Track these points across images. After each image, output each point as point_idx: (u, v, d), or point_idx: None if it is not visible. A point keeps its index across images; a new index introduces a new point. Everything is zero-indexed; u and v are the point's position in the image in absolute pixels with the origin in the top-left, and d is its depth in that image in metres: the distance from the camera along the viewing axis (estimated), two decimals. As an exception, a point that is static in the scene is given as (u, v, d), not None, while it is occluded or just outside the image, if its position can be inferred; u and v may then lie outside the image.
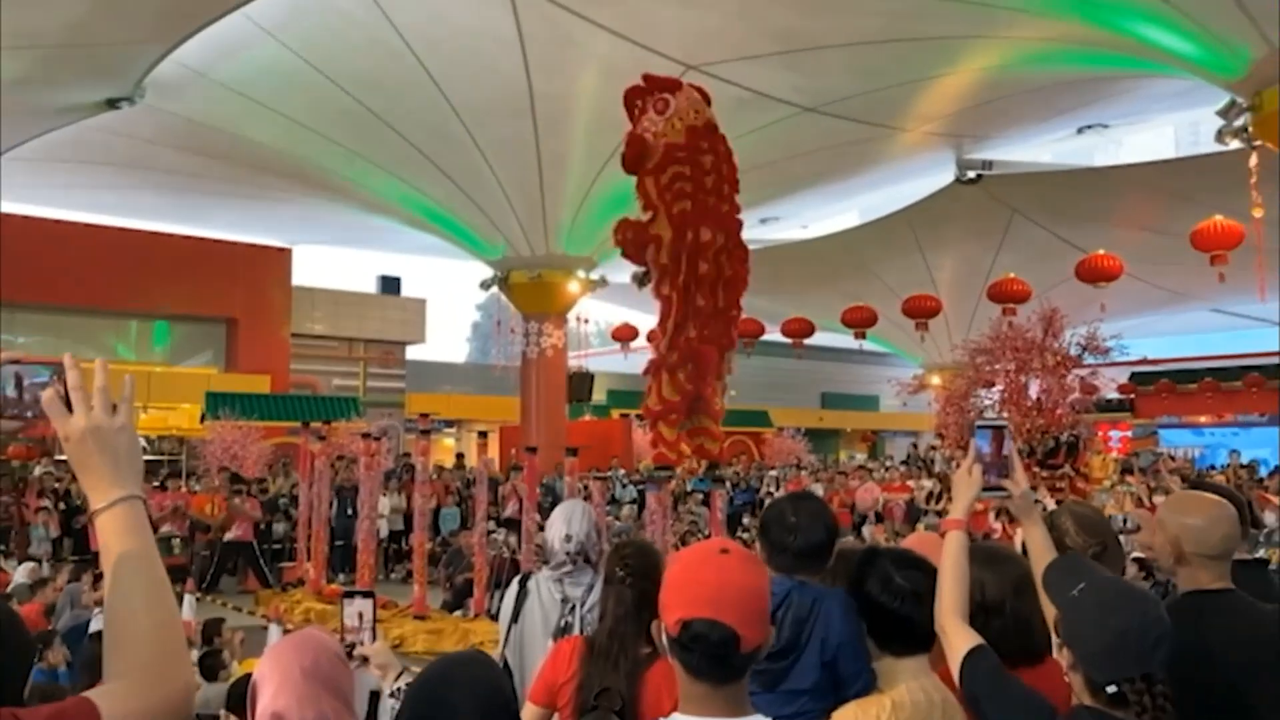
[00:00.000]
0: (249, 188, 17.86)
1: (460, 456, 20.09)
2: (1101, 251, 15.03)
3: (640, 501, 14.45)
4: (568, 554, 3.13)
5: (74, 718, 1.12)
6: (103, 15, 10.24)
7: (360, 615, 2.79)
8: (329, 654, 1.76)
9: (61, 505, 12.96)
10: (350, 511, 12.66)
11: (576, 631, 2.98)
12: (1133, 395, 27.58)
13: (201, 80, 13.10)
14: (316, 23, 12.23)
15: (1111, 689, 1.74)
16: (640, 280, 7.83)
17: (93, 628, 6.35)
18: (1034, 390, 13.05)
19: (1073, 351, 13.01)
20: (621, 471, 17.86)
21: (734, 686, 1.63)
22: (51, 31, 10.29)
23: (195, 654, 6.27)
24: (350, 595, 2.73)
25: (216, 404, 17.61)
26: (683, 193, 6.72)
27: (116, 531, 1.28)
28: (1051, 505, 10.84)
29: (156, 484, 14.21)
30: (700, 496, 15.33)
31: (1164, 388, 27.53)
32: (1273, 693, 2.10)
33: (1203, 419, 27.39)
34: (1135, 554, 7.45)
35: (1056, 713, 1.80)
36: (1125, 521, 10.02)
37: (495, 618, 8.34)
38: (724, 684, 1.62)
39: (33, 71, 11.30)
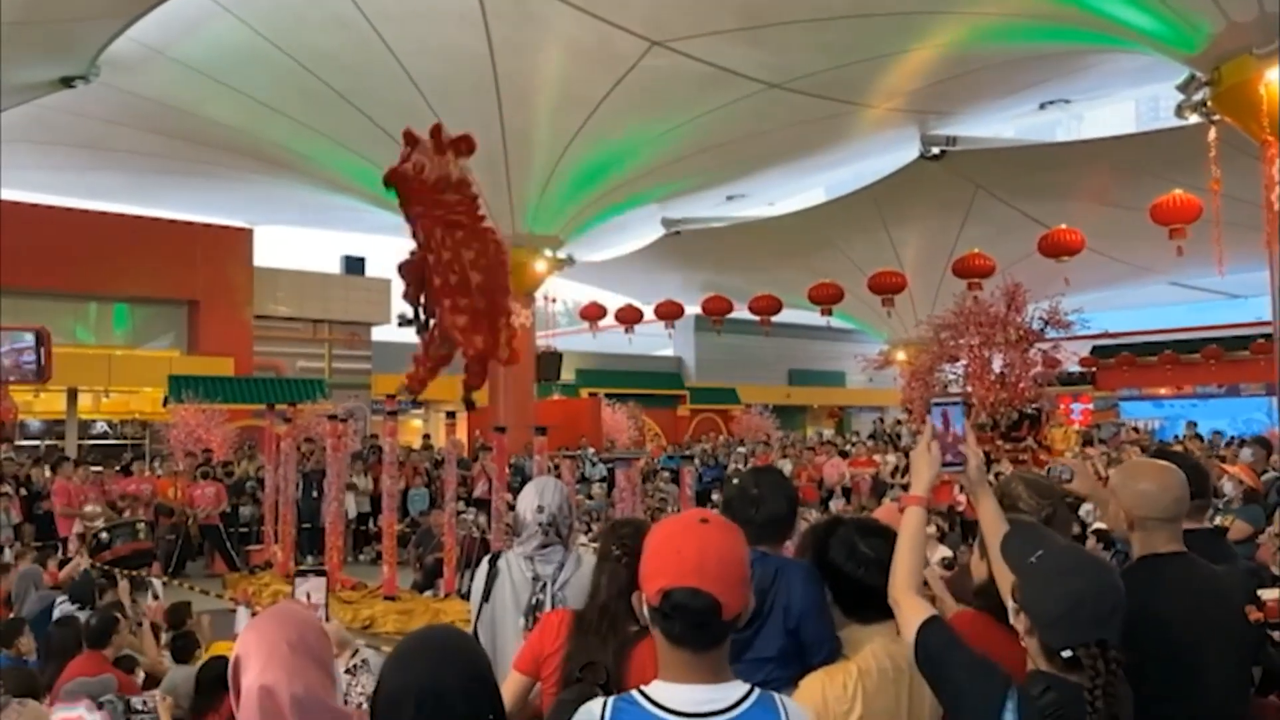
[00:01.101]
0: (209, 167, 17.60)
1: (427, 437, 20.02)
2: (1064, 226, 15.20)
3: (610, 479, 14.49)
4: (539, 524, 3.14)
5: None
6: (54, -9, 10.04)
7: (309, 595, 2.79)
8: (313, 627, 1.75)
9: (23, 491, 12.77)
10: (317, 494, 12.59)
11: (548, 608, 2.99)
12: (1094, 368, 28.02)
13: (158, 58, 12.87)
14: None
15: (1066, 654, 1.78)
16: (402, 321, 8.86)
17: (57, 613, 6.29)
18: (997, 364, 13.23)
19: (1035, 326, 13.19)
20: (591, 450, 17.87)
21: (715, 653, 1.66)
22: (3, 8, 10.05)
23: (166, 637, 6.25)
24: (303, 574, 2.73)
25: (179, 387, 17.42)
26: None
27: None
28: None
29: (119, 468, 14.06)
30: (669, 474, 15.40)
31: (1124, 361, 27.97)
32: (1222, 650, 2.16)
33: (1162, 391, 27.87)
34: (1097, 525, 7.59)
35: (1012, 679, 1.84)
36: (1062, 473, 10.19)
37: (466, 597, 8.34)
38: (704, 651, 1.65)
39: (-16, 49, 11.06)
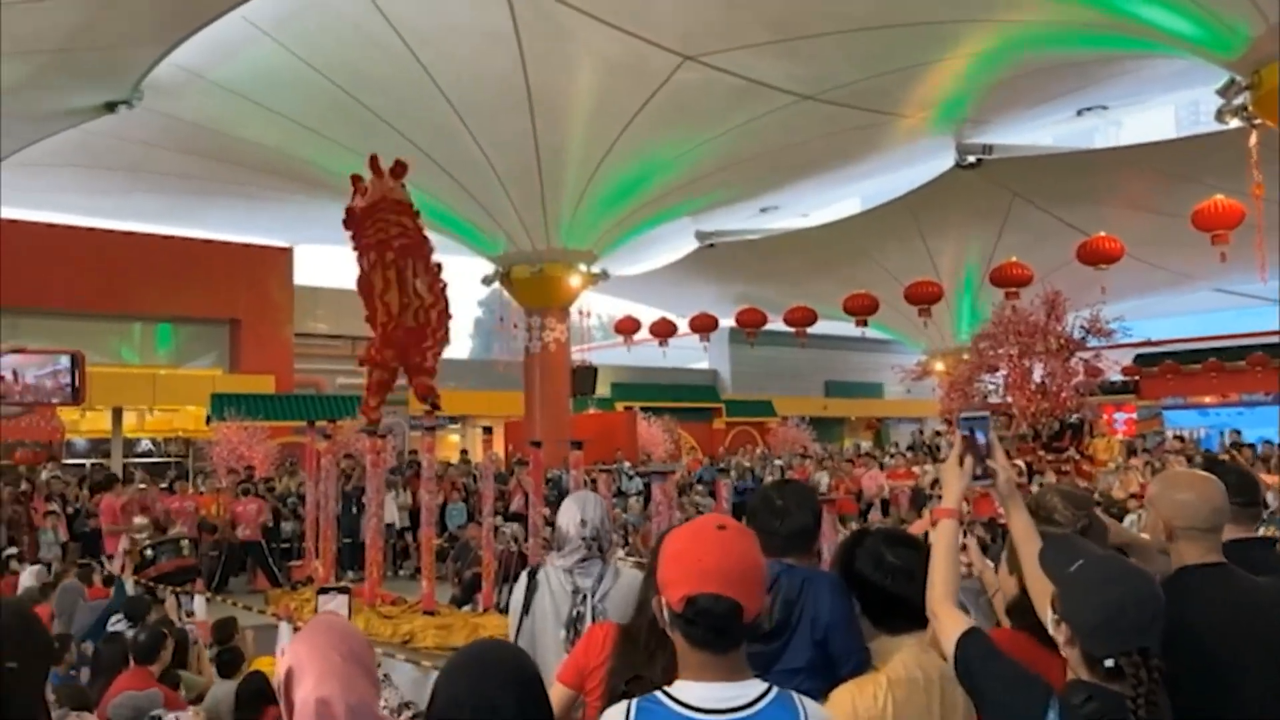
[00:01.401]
0: (249, 188, 17.87)
1: (464, 452, 20.12)
2: (1103, 234, 15.01)
3: (646, 493, 14.48)
4: (583, 539, 3.15)
5: None
6: (99, 19, 10.25)
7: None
8: (360, 638, 1.78)
9: (69, 509, 13.00)
10: (356, 509, 12.69)
11: (588, 621, 3.00)
12: (1137, 377, 27.58)
13: (199, 81, 13.11)
14: (312, 21, 12.23)
15: (1109, 663, 1.77)
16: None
17: (110, 629, 6.39)
18: (1038, 374, 13.07)
19: (1076, 334, 13.03)
20: (627, 464, 17.87)
21: (735, 654, 1.72)
22: (49, 36, 10.29)
23: (210, 652, 6.32)
24: (326, 591, 2.74)
25: (222, 405, 17.66)
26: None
27: None
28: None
29: (164, 486, 14.27)
30: (705, 487, 15.37)
31: (1168, 369, 27.53)
32: (1262, 662, 2.12)
33: (1207, 399, 27.38)
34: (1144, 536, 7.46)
35: (1053, 689, 1.83)
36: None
37: (504, 612, 8.36)
38: (725, 653, 1.70)
39: (32, 77, 11.32)
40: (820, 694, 2.17)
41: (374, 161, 8.58)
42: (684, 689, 1.70)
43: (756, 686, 1.71)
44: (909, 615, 2.15)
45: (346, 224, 9.07)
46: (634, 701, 1.73)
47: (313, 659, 1.68)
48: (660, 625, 1.79)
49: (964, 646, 1.94)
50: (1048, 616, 1.92)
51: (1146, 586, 1.83)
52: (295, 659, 1.70)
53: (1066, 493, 2.67)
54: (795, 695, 1.74)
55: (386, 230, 9.06)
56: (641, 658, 2.36)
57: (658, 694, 1.72)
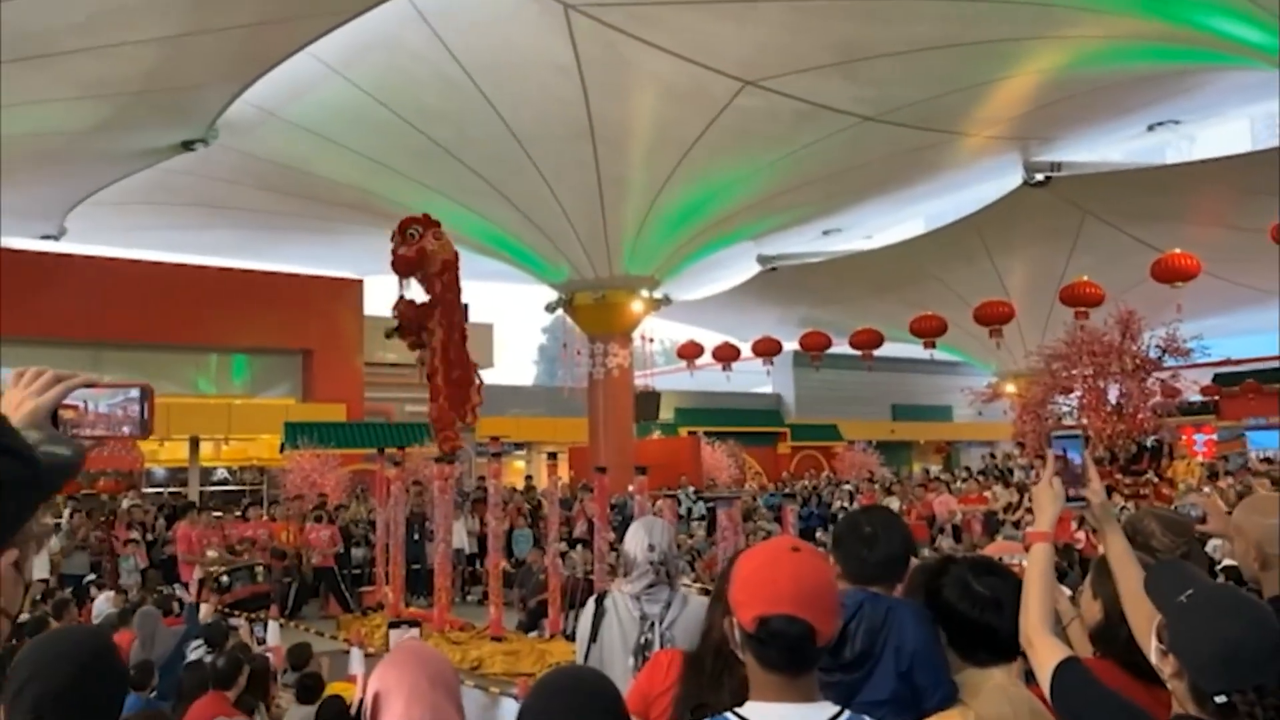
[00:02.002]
0: (320, 222, 18.30)
1: (529, 479, 20.25)
2: (1178, 250, 14.65)
3: (711, 518, 14.40)
4: (651, 563, 3.13)
5: None
6: (175, 61, 10.62)
7: None
8: (447, 665, 1.80)
9: (149, 537, 13.34)
10: (418, 535, 12.84)
11: (656, 648, 2.98)
12: (1217, 397, 26.73)
13: (271, 119, 13.49)
14: (380, 59, 12.53)
15: (1220, 699, 1.68)
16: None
17: (191, 657, 6.52)
18: (1113, 395, 12.75)
19: (1152, 354, 12.70)
20: (691, 489, 17.81)
21: (807, 677, 1.71)
22: (128, 79, 10.69)
23: (290, 678, 6.41)
24: (396, 625, 2.75)
25: (295, 433, 17.98)
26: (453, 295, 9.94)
27: None
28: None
29: (238, 514, 14.58)
30: (771, 512, 15.24)
31: (1249, 388, 26.63)
32: None
33: (1292, 419, 26.39)
34: (1226, 562, 7.22)
35: None
36: (1191, 511, 9.73)
37: (571, 638, 8.36)
38: (797, 675, 1.70)
39: (111, 118, 11.76)
40: None
41: (427, 220, 9.23)
42: (755, 710, 1.69)
43: (828, 709, 1.70)
44: (997, 647, 2.07)
45: (409, 268, 9.52)
46: None
47: (401, 684, 1.69)
48: (731, 646, 1.78)
49: (1062, 676, 1.88)
50: (1151, 646, 1.84)
51: (1266, 619, 1.73)
52: (383, 684, 1.70)
53: (1165, 518, 2.57)
54: (868, 719, 1.72)
55: (448, 288, 9.93)
56: (708, 684, 2.34)
57: (728, 715, 1.71)
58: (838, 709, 1.70)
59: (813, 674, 1.72)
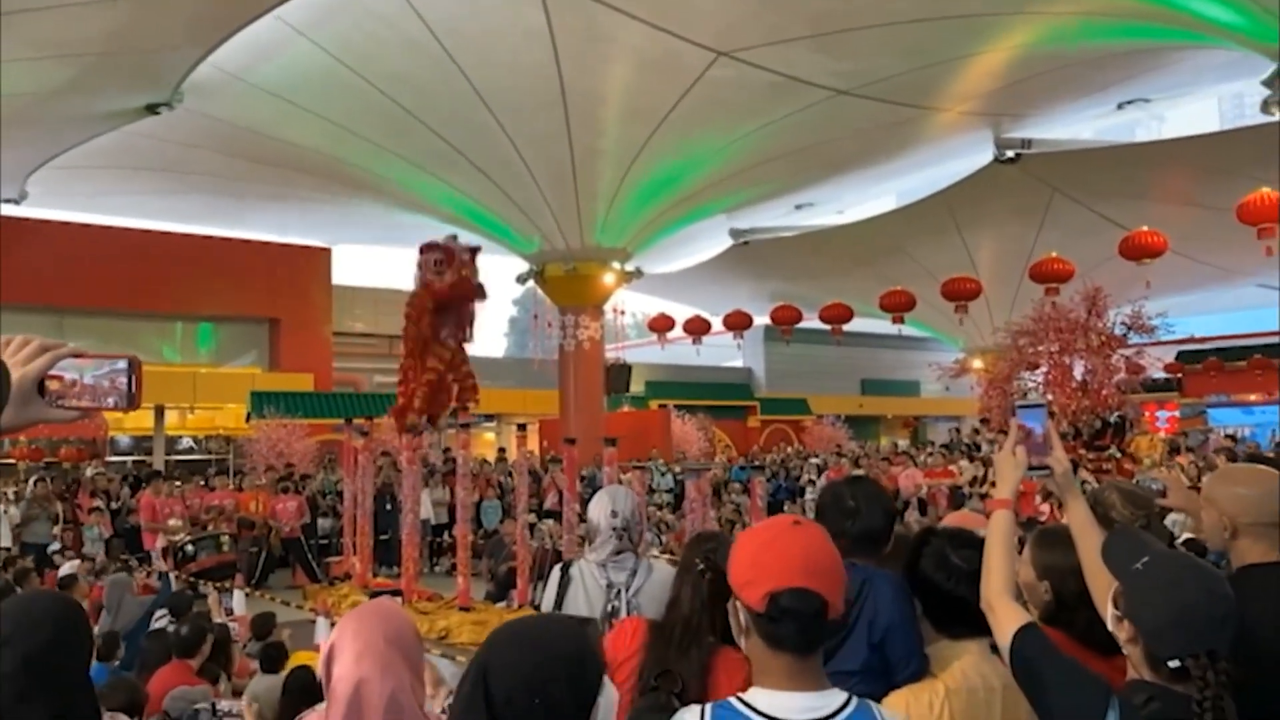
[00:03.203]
0: (288, 189, 18.06)
1: (501, 450, 20.22)
2: (1145, 228, 14.78)
3: (679, 491, 14.46)
4: (614, 529, 3.14)
5: None
6: (140, 22, 10.40)
7: None
8: (410, 628, 1.76)
9: (112, 506, 13.20)
10: (392, 506, 12.79)
11: (624, 615, 2.99)
12: (1180, 374, 27.14)
13: (238, 83, 13.26)
14: (349, 23, 12.32)
15: (1174, 663, 1.71)
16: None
17: (155, 625, 6.49)
18: (1079, 371, 12.89)
19: (1117, 331, 12.83)
20: (660, 462, 17.86)
21: (815, 658, 1.67)
22: (91, 40, 10.46)
23: (254, 648, 6.39)
24: (377, 595, 2.73)
25: (261, 403, 17.85)
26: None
27: None
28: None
29: (201, 483, 14.46)
30: (740, 485, 15.32)
31: (1212, 366, 27.06)
32: None
33: (1252, 397, 26.86)
34: (1185, 535, 7.34)
35: (1113, 688, 1.77)
36: (1153, 485, 9.89)
37: (539, 608, 8.38)
38: (806, 655, 1.66)
39: (74, 80, 11.51)
40: (874, 699, 2.11)
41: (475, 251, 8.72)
42: (762, 697, 1.65)
43: (837, 696, 1.66)
44: (973, 620, 2.07)
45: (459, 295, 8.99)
46: (707, 707, 1.68)
47: (357, 638, 1.68)
48: (737, 631, 1.71)
49: (1021, 641, 1.89)
50: (1107, 612, 1.86)
51: (1217, 586, 1.76)
52: (339, 636, 1.70)
53: (1127, 490, 2.60)
54: (874, 706, 1.69)
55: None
56: (674, 653, 2.34)
57: (733, 701, 1.67)
58: (846, 696, 1.67)
59: (819, 657, 1.69)
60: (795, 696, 1.63)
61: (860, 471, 15.95)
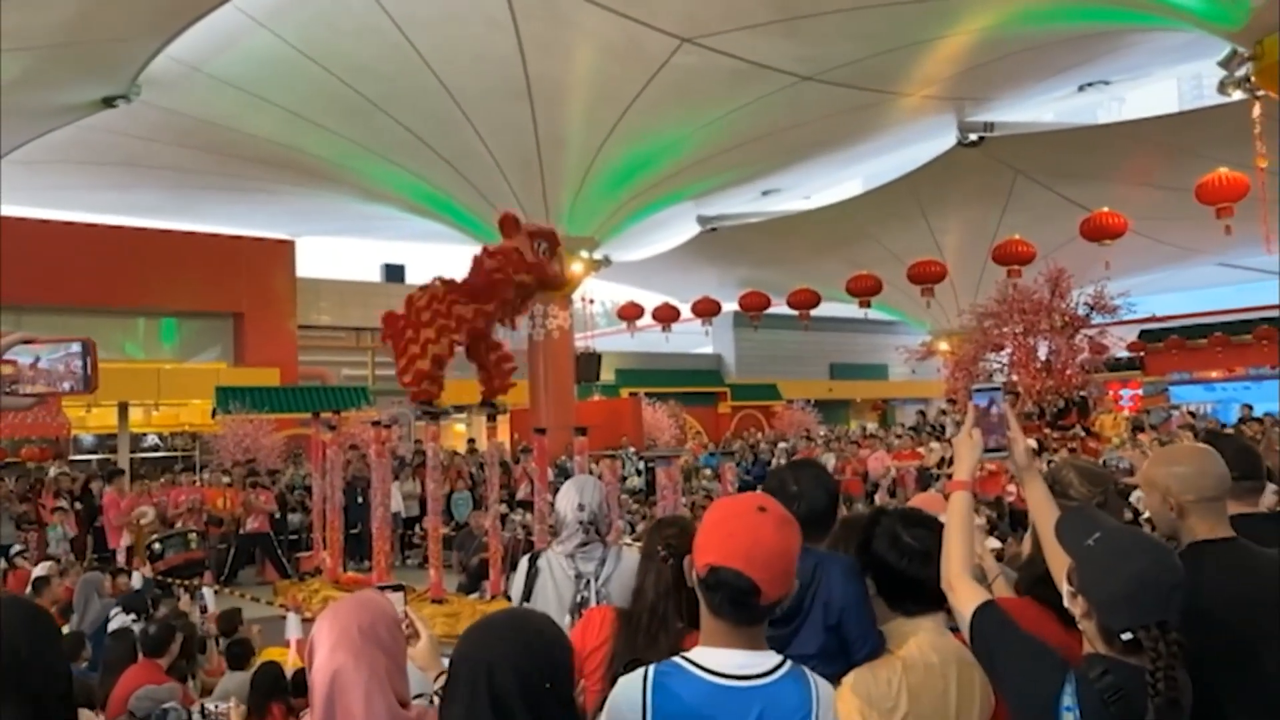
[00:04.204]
0: (249, 181, 17.85)
1: (472, 441, 20.16)
2: (1106, 209, 14.95)
3: (650, 478, 14.48)
4: (580, 523, 3.15)
5: None
6: (95, 13, 10.21)
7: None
8: (387, 617, 1.78)
9: (79, 505, 13.02)
10: (362, 499, 12.72)
11: (593, 605, 2.99)
12: (1142, 353, 27.52)
13: (196, 75, 13.07)
14: (308, 12, 12.18)
15: (1127, 636, 1.75)
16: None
17: (112, 626, 6.41)
18: (1043, 351, 13.04)
19: (1080, 311, 12.99)
20: (631, 450, 17.88)
21: (753, 629, 1.78)
22: (45, 31, 10.26)
23: (221, 644, 6.34)
24: (380, 590, 2.72)
25: (227, 398, 17.66)
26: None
27: None
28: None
29: (163, 479, 14.29)
30: (711, 471, 15.37)
31: (1173, 344, 27.45)
32: (1278, 635, 2.09)
33: (1214, 374, 27.29)
34: (1146, 515, 7.45)
35: (1068, 663, 1.81)
36: (1120, 464, 10.06)
37: (511, 599, 8.38)
38: (742, 625, 1.77)
39: (28, 73, 11.28)
40: (834, 679, 2.14)
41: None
42: (703, 654, 1.76)
43: (772, 658, 1.77)
44: (925, 597, 2.14)
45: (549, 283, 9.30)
46: (651, 667, 1.78)
47: (333, 630, 1.70)
48: (689, 584, 1.85)
49: (980, 619, 1.94)
50: (1063, 588, 1.90)
51: (1166, 559, 1.80)
52: (318, 629, 1.73)
53: (1083, 468, 2.64)
54: (807, 671, 1.80)
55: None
56: (643, 641, 2.35)
57: (677, 659, 1.78)
58: (780, 659, 1.78)
59: (760, 627, 1.79)
60: (734, 654, 1.75)
61: (830, 456, 16.07)
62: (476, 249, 20.62)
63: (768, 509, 1.79)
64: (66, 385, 1.41)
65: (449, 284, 9.37)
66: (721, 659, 1.75)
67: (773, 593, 1.73)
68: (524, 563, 3.29)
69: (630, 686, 1.78)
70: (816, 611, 2.23)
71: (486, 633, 1.66)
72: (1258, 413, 18.30)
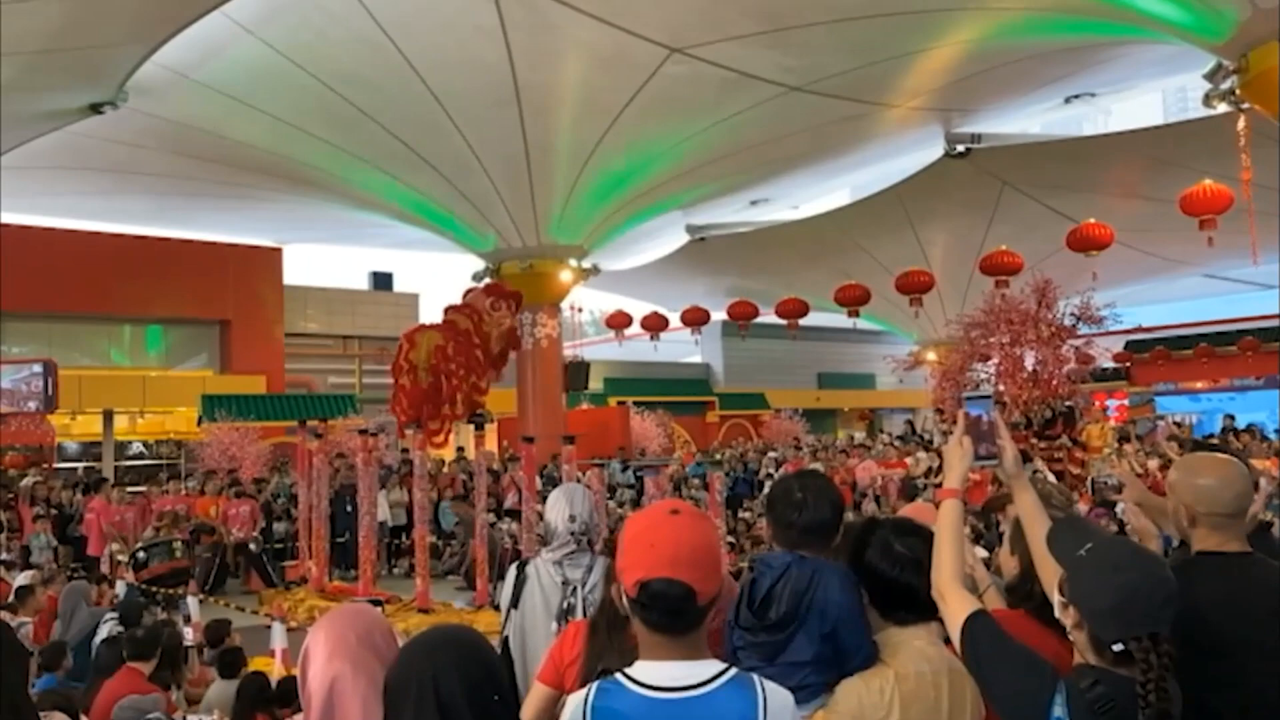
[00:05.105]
0: (236, 188, 17.79)
1: (460, 450, 20.11)
2: (1092, 220, 15.03)
3: (639, 487, 14.46)
4: (572, 534, 3.15)
5: None
6: (82, 19, 10.17)
7: None
8: (381, 626, 1.79)
9: (54, 512, 12.91)
10: (350, 508, 12.67)
11: (579, 613, 3.00)
12: (1128, 363, 27.66)
13: (184, 82, 13.03)
14: (296, 19, 12.15)
15: (1118, 647, 1.74)
16: None
17: (101, 634, 6.36)
18: (1030, 362, 13.06)
19: (1067, 322, 13.01)
20: (619, 461, 17.86)
21: (691, 635, 1.76)
22: (31, 37, 10.21)
23: (208, 654, 6.29)
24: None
25: (213, 406, 17.58)
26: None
27: None
28: (1050, 476, 10.88)
29: (141, 490, 14.18)
30: (699, 480, 15.36)
31: (1159, 355, 27.61)
32: (1275, 649, 2.08)
33: (1199, 384, 27.46)
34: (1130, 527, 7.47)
35: (1059, 672, 1.81)
36: (1108, 481, 10.09)
37: (499, 608, 8.35)
38: (682, 634, 1.74)
39: (14, 79, 11.22)
40: (827, 688, 2.15)
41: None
42: (641, 669, 1.74)
43: (713, 666, 1.74)
44: (918, 607, 2.13)
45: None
46: (594, 684, 1.77)
47: (329, 639, 1.71)
48: (620, 611, 1.82)
49: (970, 629, 1.93)
50: (1055, 598, 1.90)
51: (1158, 570, 1.80)
52: (313, 639, 1.74)
53: (1043, 492, 2.66)
54: (756, 678, 1.76)
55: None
56: (604, 648, 2.36)
57: (617, 675, 1.76)
58: (722, 667, 1.75)
59: (699, 632, 1.77)
60: (671, 666, 1.73)
61: (818, 465, 16.08)
62: (466, 257, 20.72)
63: (680, 510, 1.79)
64: (32, 405, 1.40)
65: None
66: (658, 672, 1.73)
67: (706, 591, 1.72)
68: (512, 570, 3.29)
69: (574, 704, 1.77)
70: (812, 620, 2.22)
71: (426, 645, 1.63)
72: (1241, 424, 18.41)
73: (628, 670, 1.75)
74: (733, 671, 1.75)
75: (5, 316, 17.76)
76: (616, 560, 1.81)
